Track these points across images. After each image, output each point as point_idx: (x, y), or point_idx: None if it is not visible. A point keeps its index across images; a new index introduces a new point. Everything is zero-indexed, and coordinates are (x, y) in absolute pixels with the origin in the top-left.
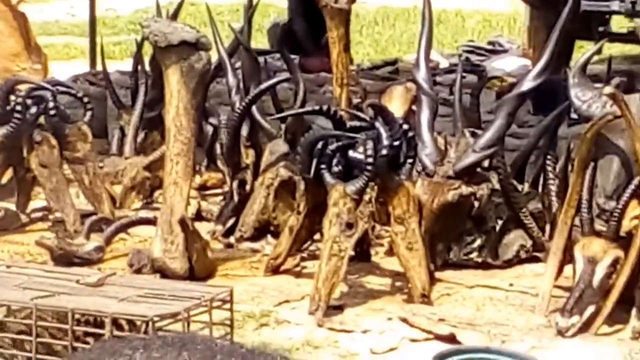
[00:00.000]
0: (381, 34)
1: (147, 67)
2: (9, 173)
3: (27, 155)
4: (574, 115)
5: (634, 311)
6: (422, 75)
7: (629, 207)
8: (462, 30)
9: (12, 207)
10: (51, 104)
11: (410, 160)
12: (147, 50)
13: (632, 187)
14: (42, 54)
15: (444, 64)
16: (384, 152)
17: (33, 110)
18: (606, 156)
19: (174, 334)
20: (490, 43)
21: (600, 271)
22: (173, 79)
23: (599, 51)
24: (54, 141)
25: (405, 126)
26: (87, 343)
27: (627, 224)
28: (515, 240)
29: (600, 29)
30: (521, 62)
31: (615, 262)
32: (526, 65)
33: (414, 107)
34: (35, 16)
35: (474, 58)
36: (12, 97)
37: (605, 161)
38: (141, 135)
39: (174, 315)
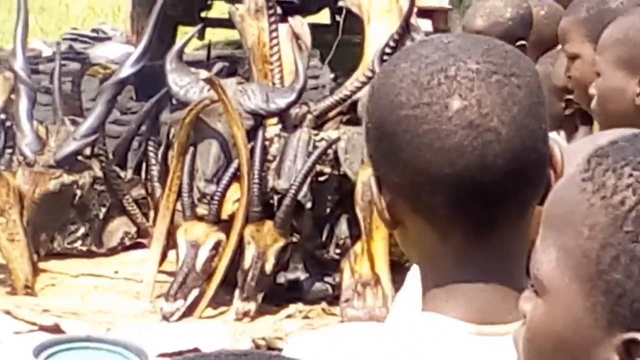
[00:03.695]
0: None
1: None
2: None
3: None
4: (175, 101)
5: (236, 293)
6: (19, 63)
7: (230, 190)
8: (66, 18)
9: None
10: None
11: (9, 151)
12: None
13: (231, 170)
14: None
15: (47, 52)
16: None
17: None
18: (205, 140)
19: None
20: (94, 30)
21: (202, 254)
22: None
23: (201, 37)
24: None
25: (2, 116)
26: None
27: (228, 208)
28: (119, 227)
29: (203, 14)
30: (125, 49)
31: (217, 245)
32: (130, 52)
33: (12, 97)
34: None
35: (78, 46)
36: None
37: (204, 145)
38: None
39: None
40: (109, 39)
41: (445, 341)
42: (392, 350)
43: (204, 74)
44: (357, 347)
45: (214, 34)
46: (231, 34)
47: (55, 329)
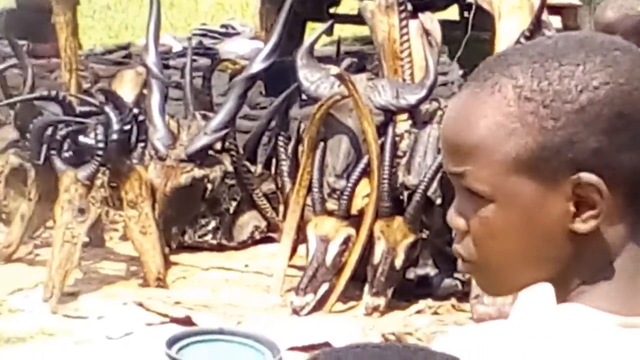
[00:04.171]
0: (114, 19)
1: None
2: None
3: None
4: (304, 97)
5: (366, 288)
6: (152, 59)
7: (359, 185)
8: (195, 14)
9: None
10: None
11: (141, 144)
12: None
13: (361, 165)
14: None
15: (177, 47)
16: (115, 136)
17: None
18: (335, 136)
19: None
20: (223, 26)
21: (332, 249)
22: None
23: (330, 32)
24: None
25: (135, 110)
26: None
27: (357, 203)
28: (249, 222)
29: (331, 10)
30: (254, 45)
31: (347, 240)
32: (259, 48)
33: (145, 91)
34: None
35: (207, 42)
36: None
37: (335, 141)
38: None
39: None
40: (237, 34)
41: (589, 333)
42: (539, 346)
43: (334, 69)
44: (501, 342)
45: (342, 30)
46: (359, 30)
47: (187, 321)
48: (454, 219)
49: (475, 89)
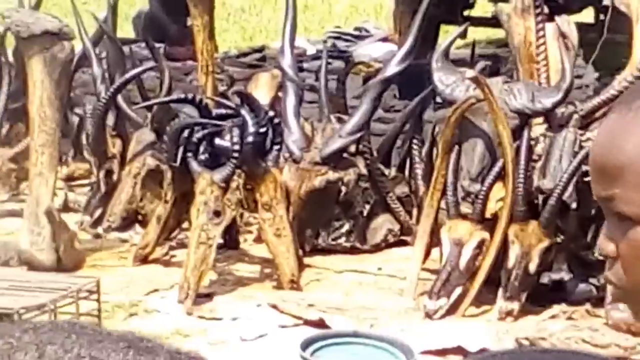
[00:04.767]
0: (248, 22)
1: (11, 58)
2: None
3: None
4: (439, 99)
5: (500, 292)
6: (287, 62)
7: (494, 189)
8: (329, 17)
9: None
10: None
11: (276, 147)
12: (11, 41)
13: (496, 169)
14: None
15: (311, 50)
16: (250, 139)
17: None
18: (470, 139)
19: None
20: (357, 29)
21: (466, 253)
22: (36, 69)
23: (463, 35)
24: None
25: (271, 113)
26: None
27: (492, 206)
28: (383, 225)
29: (465, 13)
30: (388, 48)
31: (481, 244)
32: (392, 50)
33: (280, 94)
34: None
35: (340, 44)
36: None
37: (470, 144)
38: (6, 127)
39: (40, 307)
40: (371, 37)
41: None
42: None
43: (470, 72)
44: None
45: (476, 32)
46: (492, 33)
47: (320, 324)
48: (604, 244)
49: (622, 112)
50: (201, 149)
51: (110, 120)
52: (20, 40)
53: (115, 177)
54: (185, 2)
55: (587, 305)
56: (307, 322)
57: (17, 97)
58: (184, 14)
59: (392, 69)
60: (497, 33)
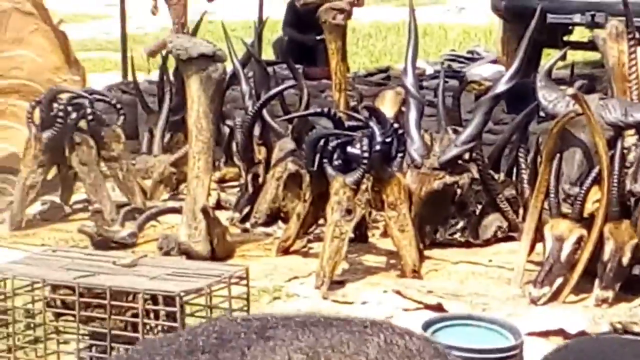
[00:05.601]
0: (375, 46)
1: (172, 77)
2: (53, 170)
3: (69, 155)
4: (543, 114)
5: (596, 282)
6: (409, 80)
7: (591, 192)
8: (444, 42)
9: (57, 200)
10: (89, 110)
11: (400, 155)
12: (172, 63)
13: (593, 174)
14: (81, 67)
15: (429, 70)
16: (378, 147)
17: (73, 115)
18: (570, 148)
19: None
20: (469, 52)
21: (567, 248)
22: (194, 87)
23: (563, 58)
24: (92, 142)
25: (395, 125)
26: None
27: (589, 207)
28: (493, 222)
29: (565, 38)
30: (497, 68)
31: (579, 240)
32: (501, 71)
33: (403, 109)
34: (75, 35)
35: (455, 65)
36: (55, 105)
37: (570, 153)
38: (167, 136)
39: (198, 291)
40: (481, 59)
41: None
42: None
43: (570, 90)
44: None
45: (574, 55)
46: (589, 55)
47: (438, 308)
48: None
49: None
50: (335, 155)
51: (257, 130)
52: (180, 62)
53: (260, 180)
54: (314, 23)
55: None
56: (427, 307)
57: (177, 111)
58: (317, 40)
59: (502, 86)
60: (594, 55)
